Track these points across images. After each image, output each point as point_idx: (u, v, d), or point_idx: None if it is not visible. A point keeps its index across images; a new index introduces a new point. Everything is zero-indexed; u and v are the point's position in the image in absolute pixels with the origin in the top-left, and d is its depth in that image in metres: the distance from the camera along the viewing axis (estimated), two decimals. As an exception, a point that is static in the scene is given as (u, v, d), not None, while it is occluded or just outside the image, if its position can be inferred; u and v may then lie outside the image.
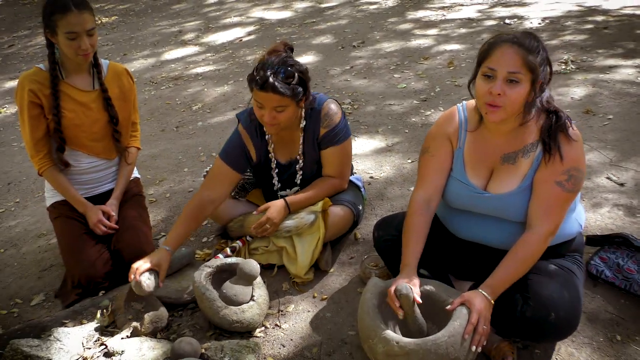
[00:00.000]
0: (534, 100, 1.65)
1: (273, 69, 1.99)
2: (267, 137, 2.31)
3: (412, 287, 1.67)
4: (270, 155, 2.34)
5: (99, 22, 8.65)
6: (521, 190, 1.73)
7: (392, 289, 1.68)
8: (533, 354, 1.83)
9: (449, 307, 1.63)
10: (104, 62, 2.46)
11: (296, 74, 2.02)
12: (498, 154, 1.79)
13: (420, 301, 1.68)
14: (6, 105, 5.39)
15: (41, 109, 2.33)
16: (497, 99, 1.60)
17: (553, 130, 1.67)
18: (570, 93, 3.86)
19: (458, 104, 1.92)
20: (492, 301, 1.62)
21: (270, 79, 1.96)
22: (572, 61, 4.44)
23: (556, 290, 1.65)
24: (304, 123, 2.24)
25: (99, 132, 2.45)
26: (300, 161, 2.33)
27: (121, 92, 2.48)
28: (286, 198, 2.25)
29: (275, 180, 2.38)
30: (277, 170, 2.36)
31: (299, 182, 2.37)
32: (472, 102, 1.85)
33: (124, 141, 2.55)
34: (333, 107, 2.26)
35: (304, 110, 2.22)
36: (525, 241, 1.67)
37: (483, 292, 1.62)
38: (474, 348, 1.55)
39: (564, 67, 4.36)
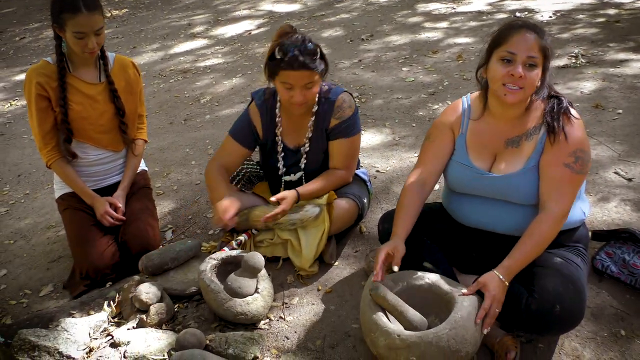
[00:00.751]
0: (544, 84, 1.73)
1: (298, 47, 2.03)
2: (277, 119, 2.33)
3: (396, 253, 1.72)
4: (277, 138, 2.36)
5: (109, 15, 8.69)
6: (525, 171, 1.77)
7: (380, 255, 1.73)
8: (536, 348, 1.83)
9: (464, 291, 1.65)
10: (110, 55, 2.48)
11: (318, 50, 2.10)
12: (502, 139, 1.84)
13: (397, 270, 1.72)
14: (17, 98, 5.44)
15: (49, 102, 2.35)
16: (519, 81, 1.68)
17: (556, 112, 1.73)
18: (580, 87, 3.83)
19: (463, 97, 1.98)
20: (507, 283, 1.64)
21: (300, 57, 2.02)
22: (582, 55, 4.40)
23: (561, 283, 1.66)
24: (316, 108, 2.27)
25: (106, 124, 2.47)
26: (307, 146, 2.34)
27: (127, 85, 2.50)
28: (298, 189, 2.26)
29: (280, 164, 2.39)
30: (283, 154, 2.38)
31: (303, 166, 2.38)
32: (477, 93, 1.92)
33: (131, 133, 2.57)
34: (347, 100, 2.29)
35: (317, 96, 2.25)
36: (540, 221, 1.70)
37: (498, 274, 1.64)
38: (484, 331, 1.58)
39: (574, 61, 4.32)
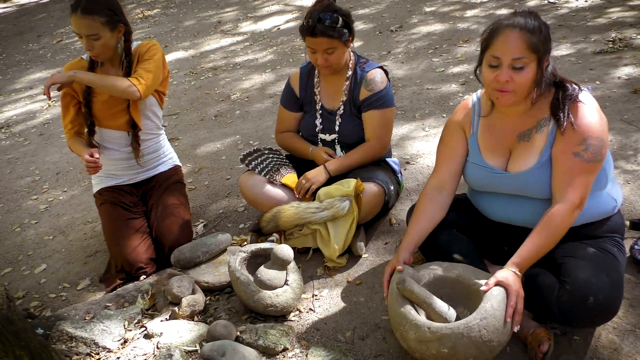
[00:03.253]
0: (542, 77, 1.65)
1: (319, 16, 2.21)
2: (316, 80, 2.51)
3: (406, 266, 1.75)
4: (316, 97, 2.51)
5: (141, 15, 8.85)
6: (540, 165, 1.71)
7: (386, 276, 1.80)
8: (572, 340, 1.78)
9: (483, 288, 1.61)
10: (134, 45, 2.50)
11: (340, 18, 2.24)
12: (514, 134, 1.78)
13: (402, 269, 1.74)
14: (54, 99, 5.60)
15: (71, 97, 2.47)
16: (506, 85, 1.62)
17: (561, 101, 1.66)
18: (617, 72, 3.70)
19: (474, 93, 1.94)
20: (521, 275, 1.61)
21: (318, 25, 2.20)
22: (619, 39, 4.25)
23: (595, 274, 1.60)
24: (350, 73, 2.41)
25: (121, 116, 2.52)
26: (341, 109, 2.45)
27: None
28: (325, 164, 2.40)
29: (318, 122, 2.50)
30: (320, 112, 2.51)
31: (337, 128, 2.47)
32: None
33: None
34: (379, 74, 2.40)
35: (352, 62, 2.43)
36: (550, 215, 1.65)
37: (512, 270, 1.61)
38: (516, 329, 1.55)
39: (611, 45, 4.18)
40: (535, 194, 1.75)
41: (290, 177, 2.44)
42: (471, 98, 1.93)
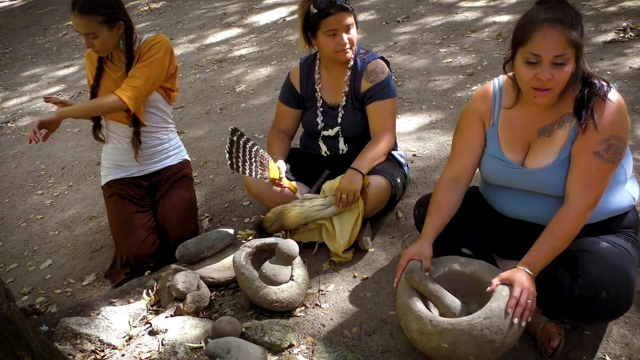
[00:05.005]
0: (578, 71, 1.58)
1: None
2: (316, 75, 2.46)
3: (423, 259, 1.69)
4: (317, 94, 2.46)
5: (147, 8, 8.81)
6: (559, 163, 1.66)
7: (401, 260, 1.73)
8: (582, 335, 1.75)
9: (488, 289, 1.58)
10: (144, 38, 2.48)
11: None
12: (535, 128, 1.72)
13: (429, 267, 1.70)
14: (60, 93, 5.60)
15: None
16: (547, 83, 1.55)
17: (587, 98, 1.59)
18: (628, 62, 3.64)
19: (494, 78, 1.85)
20: (533, 275, 1.57)
21: (337, 1, 2.18)
22: (631, 28, 4.18)
23: (607, 269, 1.56)
24: (352, 63, 2.37)
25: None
26: (344, 100, 2.41)
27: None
28: (354, 166, 2.23)
29: (319, 119, 2.46)
30: (322, 109, 2.46)
31: (339, 121, 2.43)
32: (508, 76, 1.78)
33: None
34: (380, 64, 2.36)
35: (354, 54, 2.37)
36: (562, 215, 1.60)
37: (522, 269, 1.57)
38: (522, 323, 1.51)
39: (622, 35, 4.11)
40: (550, 191, 1.70)
41: (273, 170, 2.31)
42: (492, 85, 1.83)
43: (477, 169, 1.90)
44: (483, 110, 1.82)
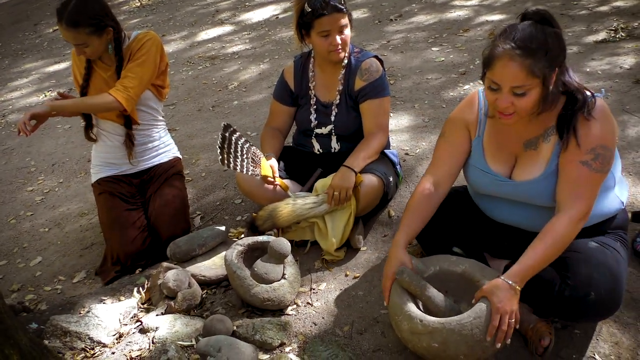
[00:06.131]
0: (548, 94, 1.54)
1: None
2: (310, 73, 2.45)
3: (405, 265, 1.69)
4: (310, 92, 2.45)
5: (139, 4, 8.76)
6: (546, 176, 1.64)
7: (386, 282, 1.72)
8: (572, 334, 1.76)
9: (473, 301, 1.57)
10: (133, 35, 2.47)
11: None
12: (520, 141, 1.71)
13: (412, 267, 1.69)
14: (51, 89, 5.55)
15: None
16: (508, 109, 1.54)
17: (568, 115, 1.57)
18: (619, 62, 3.66)
19: (480, 88, 1.83)
20: (519, 288, 1.53)
21: (331, 2, 2.16)
22: (622, 28, 4.21)
23: (596, 269, 1.57)
24: (346, 62, 2.36)
25: None
26: (338, 98, 2.40)
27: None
28: (347, 164, 2.23)
29: (312, 117, 2.45)
30: (315, 107, 2.44)
31: (333, 119, 2.42)
32: None
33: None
34: (374, 63, 2.35)
35: (348, 53, 2.36)
36: (553, 225, 1.56)
37: (508, 281, 1.52)
38: (498, 345, 1.49)
39: (613, 35, 4.13)
40: (538, 202, 1.69)
41: (265, 167, 2.30)
42: (477, 95, 1.82)
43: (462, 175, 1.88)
44: (469, 120, 1.81)
